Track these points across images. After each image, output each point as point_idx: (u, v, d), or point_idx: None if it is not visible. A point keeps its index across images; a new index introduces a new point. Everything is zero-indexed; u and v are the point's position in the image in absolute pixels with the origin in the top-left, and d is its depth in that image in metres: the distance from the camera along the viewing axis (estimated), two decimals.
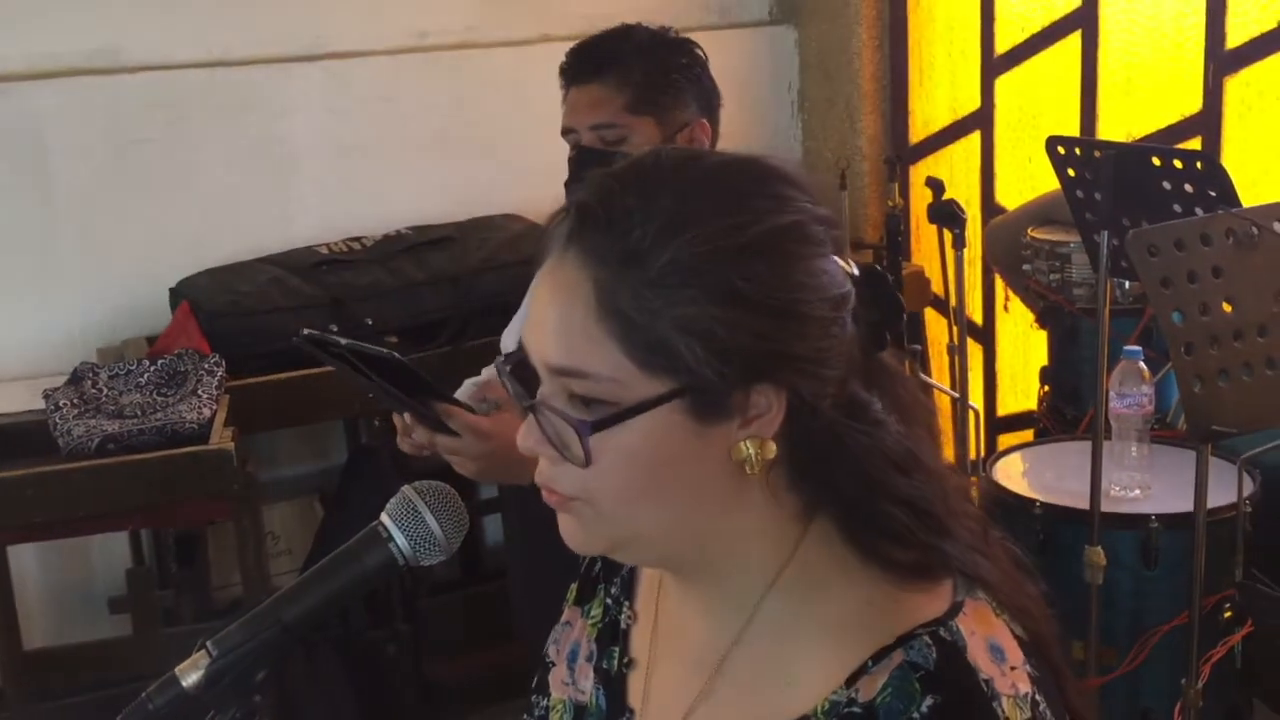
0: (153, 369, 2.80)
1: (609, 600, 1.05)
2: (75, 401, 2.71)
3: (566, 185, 1.81)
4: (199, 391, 2.73)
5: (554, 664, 1.07)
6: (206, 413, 2.65)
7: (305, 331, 1.48)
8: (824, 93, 3.76)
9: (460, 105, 3.37)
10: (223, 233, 3.16)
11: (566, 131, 1.80)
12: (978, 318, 3.64)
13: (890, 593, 0.89)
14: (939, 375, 3.47)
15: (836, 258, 0.89)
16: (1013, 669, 0.87)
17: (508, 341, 1.97)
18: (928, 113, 3.71)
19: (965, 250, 2.52)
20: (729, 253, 0.84)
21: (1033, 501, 2.36)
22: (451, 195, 3.32)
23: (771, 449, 0.87)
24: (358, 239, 3.18)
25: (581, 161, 1.78)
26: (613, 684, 1.01)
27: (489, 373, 1.87)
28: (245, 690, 0.88)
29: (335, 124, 3.27)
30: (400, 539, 0.90)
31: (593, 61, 1.78)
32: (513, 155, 3.36)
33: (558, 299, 0.85)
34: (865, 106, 3.69)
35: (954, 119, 3.63)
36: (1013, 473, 2.58)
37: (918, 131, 3.73)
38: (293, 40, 3.24)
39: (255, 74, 3.20)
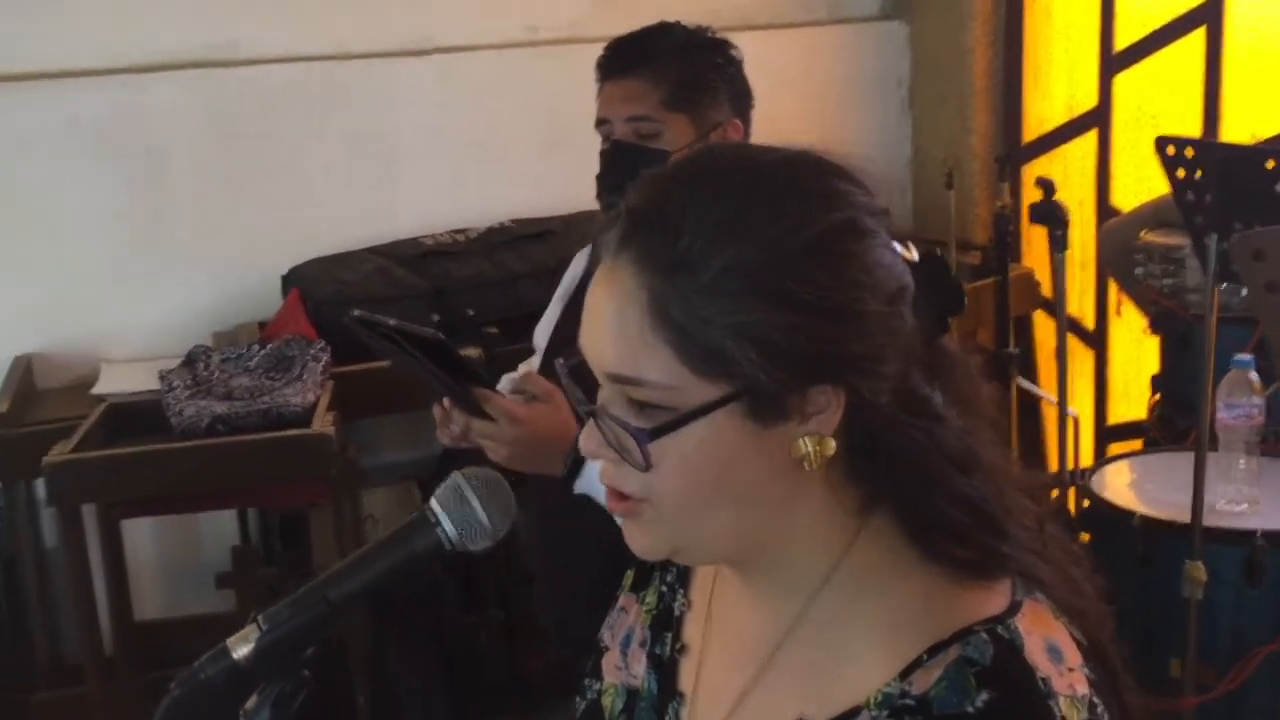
0: (261, 353, 2.89)
1: (664, 588, 1.06)
2: (188, 383, 2.80)
3: (598, 179, 1.82)
4: (304, 377, 2.80)
5: (608, 648, 1.08)
6: (310, 397, 2.72)
7: (355, 313, 1.52)
8: (935, 90, 3.70)
9: (566, 100, 3.39)
10: (332, 222, 3.24)
11: (600, 123, 1.81)
12: (1090, 322, 3.54)
13: (948, 590, 0.88)
14: (1048, 380, 3.38)
15: (896, 244, 0.89)
16: (1070, 670, 0.86)
17: (539, 339, 1.98)
18: (1042, 111, 3.63)
19: (1068, 252, 2.46)
20: (782, 257, 0.84)
21: (1131, 513, 2.30)
22: (555, 189, 3.35)
23: (830, 446, 0.86)
24: (461, 231, 3.23)
25: (615, 155, 1.79)
26: (664, 669, 1.02)
27: (525, 367, 1.89)
28: (294, 664, 0.90)
29: (443, 118, 3.33)
30: (447, 524, 0.92)
31: (631, 56, 1.80)
32: None
33: (612, 306, 0.86)
34: (977, 104, 3.62)
35: (1069, 117, 3.54)
36: (1115, 483, 2.52)
37: (1031, 130, 3.65)
38: (403, 35, 3.31)
39: (366, 68, 3.27)
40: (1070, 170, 3.54)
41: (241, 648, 0.88)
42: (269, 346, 2.90)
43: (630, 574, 1.11)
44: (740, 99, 1.89)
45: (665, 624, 1.04)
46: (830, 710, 0.88)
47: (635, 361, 0.85)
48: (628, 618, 1.08)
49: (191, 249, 3.19)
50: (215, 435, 2.64)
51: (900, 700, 0.85)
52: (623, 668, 1.05)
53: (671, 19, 1.90)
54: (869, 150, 3.80)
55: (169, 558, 3.17)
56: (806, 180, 0.88)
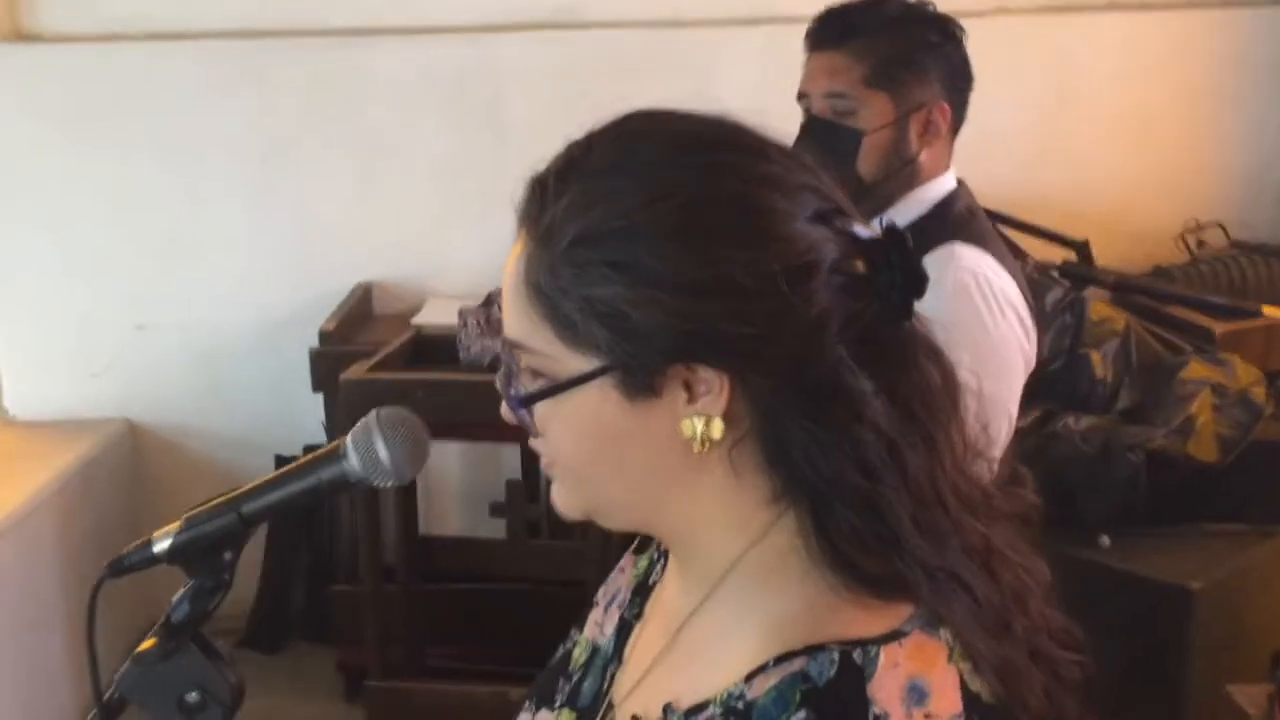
0: None
1: (655, 554, 1.07)
2: (480, 322, 3.01)
3: None
4: None
5: (596, 604, 1.10)
6: None
7: None
8: None
9: None
10: None
11: (801, 96, 1.76)
12: None
13: (835, 601, 0.84)
14: None
15: (848, 224, 0.84)
16: (927, 716, 0.78)
17: None
18: None
19: None
20: (639, 229, 0.82)
21: None
22: None
23: (718, 427, 0.83)
24: None
25: (809, 130, 1.73)
26: (622, 632, 1.04)
27: None
28: (211, 565, 0.98)
29: (764, 88, 3.30)
30: (354, 459, 0.96)
31: (838, 28, 1.73)
32: None
33: (509, 275, 0.88)
34: None
35: None
36: None
37: None
38: (737, 5, 3.34)
39: (698, 35, 3.35)
40: None
41: (163, 541, 0.97)
42: None
43: (639, 537, 1.12)
44: (954, 80, 1.78)
45: (641, 590, 1.05)
46: (693, 699, 0.87)
47: (520, 328, 0.87)
48: (621, 578, 1.10)
49: (517, 199, 3.40)
50: (494, 372, 2.82)
51: (735, 702, 0.83)
52: (600, 624, 1.07)
53: None
54: (1240, 148, 3.40)
55: (465, 481, 3.43)
56: (693, 152, 0.85)
